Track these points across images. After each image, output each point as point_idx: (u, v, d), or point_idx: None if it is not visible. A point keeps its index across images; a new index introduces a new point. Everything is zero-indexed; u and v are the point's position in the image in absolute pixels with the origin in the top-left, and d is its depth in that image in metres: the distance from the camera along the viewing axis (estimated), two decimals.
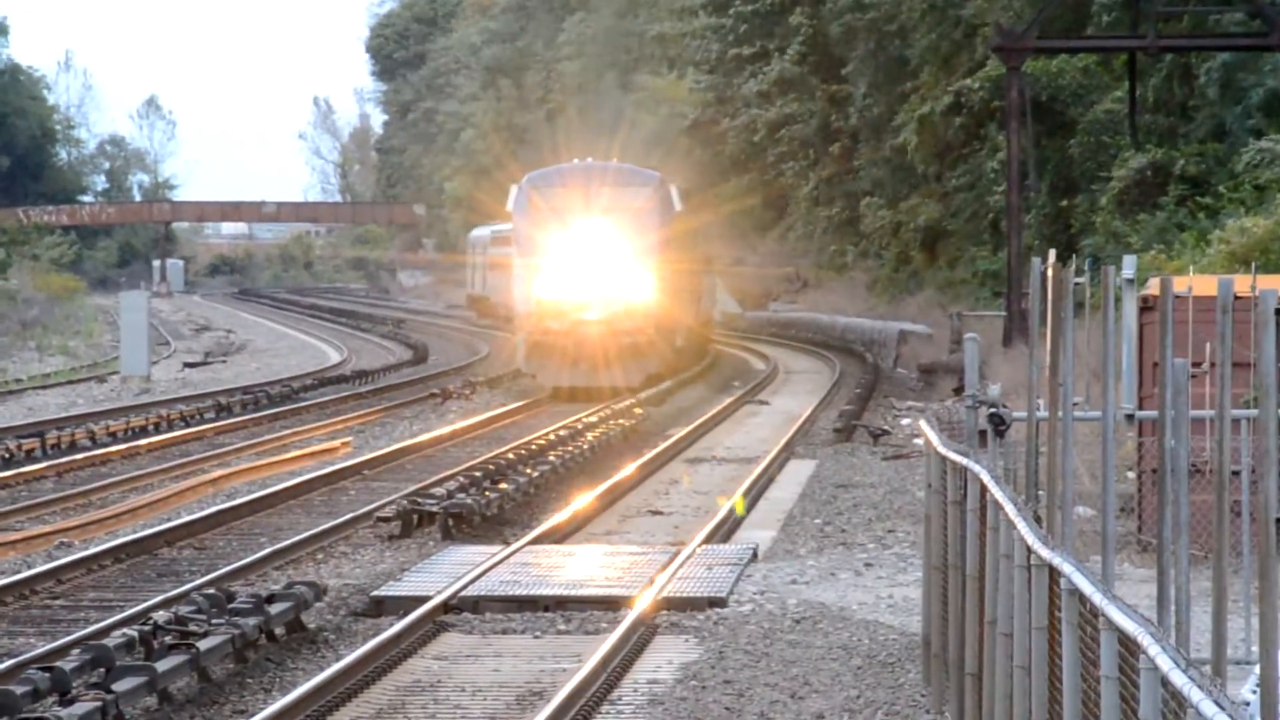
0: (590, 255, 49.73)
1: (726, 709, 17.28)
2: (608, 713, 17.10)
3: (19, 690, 15.44)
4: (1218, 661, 10.89)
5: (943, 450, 16.47)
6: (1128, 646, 7.53)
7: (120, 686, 15.88)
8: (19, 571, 23.74)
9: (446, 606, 21.82)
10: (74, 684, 15.90)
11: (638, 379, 48.83)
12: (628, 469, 35.70)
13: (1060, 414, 12.98)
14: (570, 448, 36.65)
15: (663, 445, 40.47)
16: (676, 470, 37.80)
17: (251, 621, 18.85)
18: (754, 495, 33.65)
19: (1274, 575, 8.70)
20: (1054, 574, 10.02)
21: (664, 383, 51.18)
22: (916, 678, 18.46)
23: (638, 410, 44.78)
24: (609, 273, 49.60)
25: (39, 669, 16.18)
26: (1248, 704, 11.18)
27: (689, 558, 25.03)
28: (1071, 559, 9.73)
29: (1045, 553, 10.32)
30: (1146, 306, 23.65)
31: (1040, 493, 13.70)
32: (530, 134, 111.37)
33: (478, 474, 31.55)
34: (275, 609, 19.60)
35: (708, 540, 26.86)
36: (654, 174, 52.95)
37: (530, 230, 50.95)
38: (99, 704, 15.34)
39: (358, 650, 18.74)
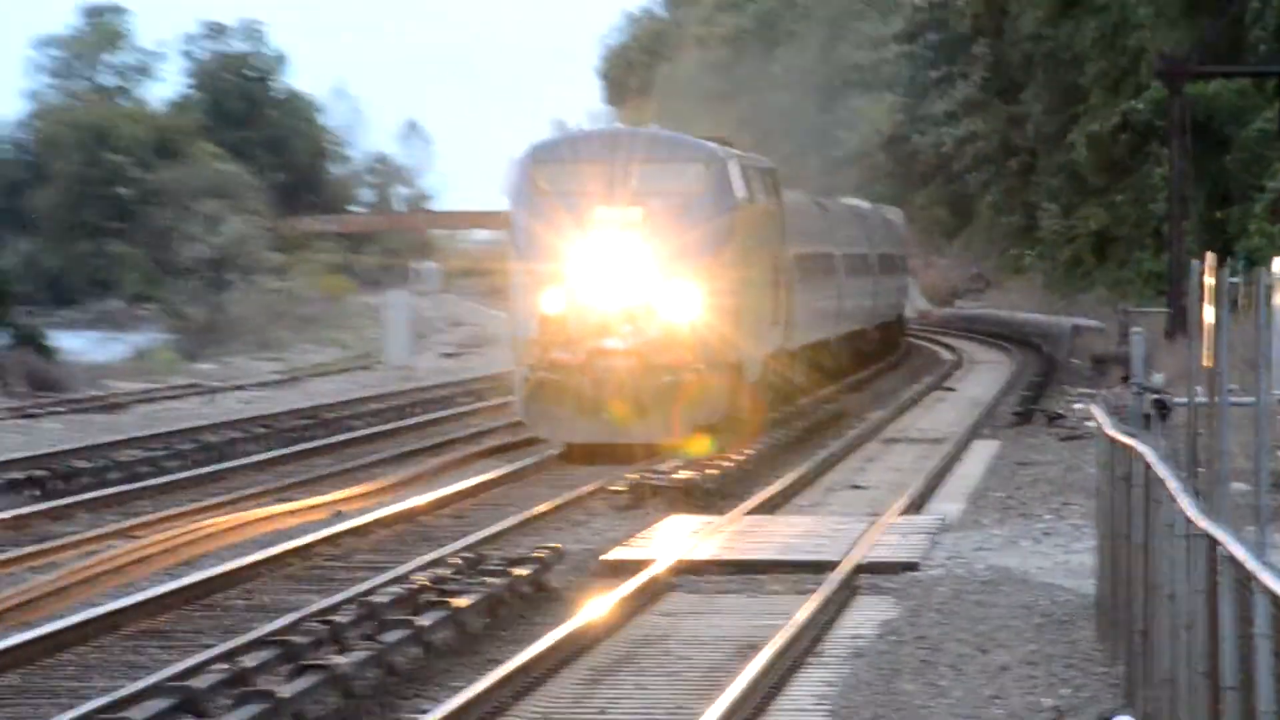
0: (614, 259, 31.49)
1: (921, 661, 17.20)
2: (814, 664, 17.10)
3: (301, 640, 15.84)
4: None
5: (1112, 432, 16.45)
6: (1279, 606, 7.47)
7: (388, 638, 16.21)
8: (300, 537, 24.28)
9: (672, 569, 21.81)
10: (348, 635, 16.27)
11: (679, 431, 31.18)
12: (831, 448, 35.59)
13: (1217, 399, 12.97)
14: (780, 432, 36.67)
15: (861, 427, 40.33)
16: (874, 449, 37.70)
17: (501, 582, 19.13)
18: (941, 472, 33.06)
19: None
20: (1212, 543, 9.91)
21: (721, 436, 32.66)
22: (1090, 634, 18.31)
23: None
24: (641, 284, 31.46)
25: (318, 622, 16.59)
26: None
27: (886, 527, 24.96)
28: (1228, 529, 9.63)
29: (1204, 523, 10.20)
30: None
31: (1199, 470, 13.60)
32: None
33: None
34: (522, 571, 19.90)
35: (903, 512, 26.69)
36: (707, 145, 33.90)
37: (532, 224, 32.47)
38: (371, 653, 15.70)
39: (595, 607, 18.90)
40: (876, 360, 61.37)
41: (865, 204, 69.27)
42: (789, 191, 44.47)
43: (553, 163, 33.10)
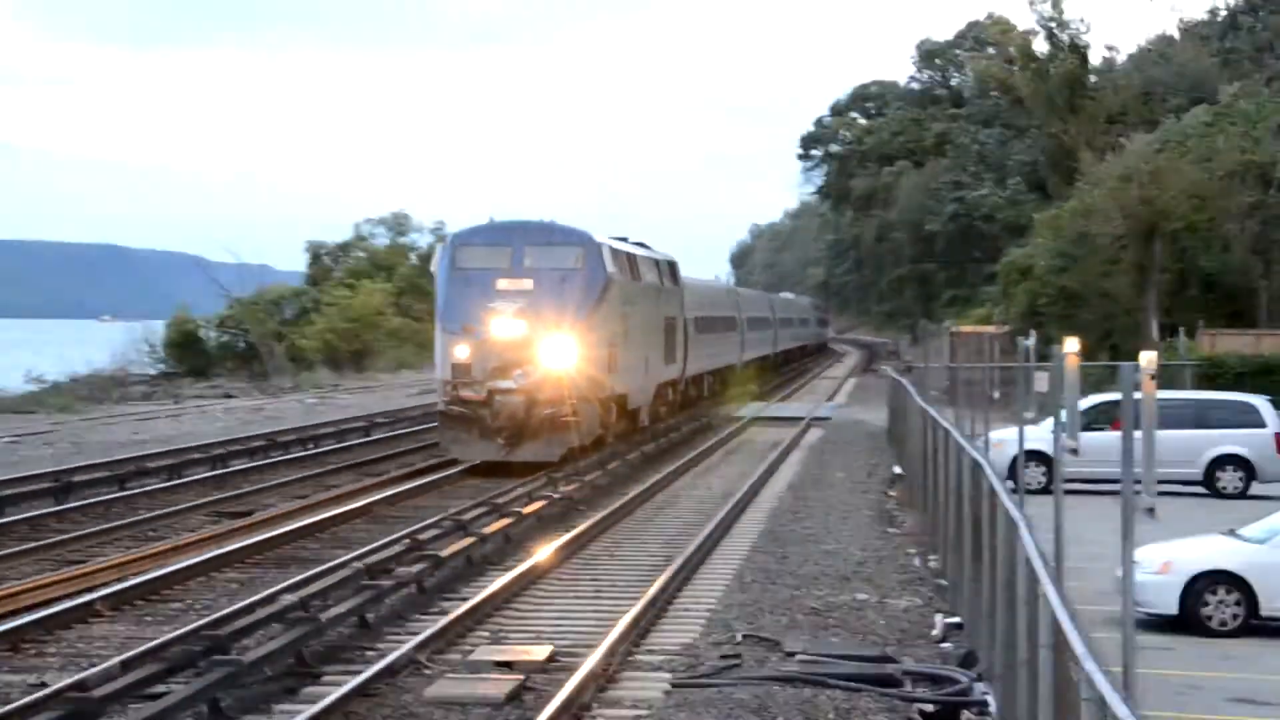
0: (510, 318, 34.99)
1: (828, 448, 39.28)
2: (796, 448, 43.06)
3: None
4: None
5: (891, 374, 38.60)
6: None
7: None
8: None
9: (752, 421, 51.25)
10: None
11: (556, 453, 34.59)
12: (789, 383, 56.14)
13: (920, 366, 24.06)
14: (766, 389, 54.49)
15: (805, 378, 63.44)
16: (810, 382, 59.23)
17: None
18: (838, 389, 60.97)
19: None
20: (923, 411, 20.55)
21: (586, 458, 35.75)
22: (885, 441, 44.67)
23: None
24: (530, 337, 34.93)
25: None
26: None
27: (818, 405, 50.82)
28: (927, 404, 20.85)
29: (920, 401, 23.19)
30: None
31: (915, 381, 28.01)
32: None
33: None
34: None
35: (827, 400, 56.13)
36: (584, 233, 37.63)
37: (450, 291, 36.05)
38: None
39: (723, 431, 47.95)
40: (807, 358, 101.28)
41: (787, 295, 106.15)
42: (703, 282, 62.27)
43: (468, 245, 37.17)
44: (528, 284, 35.89)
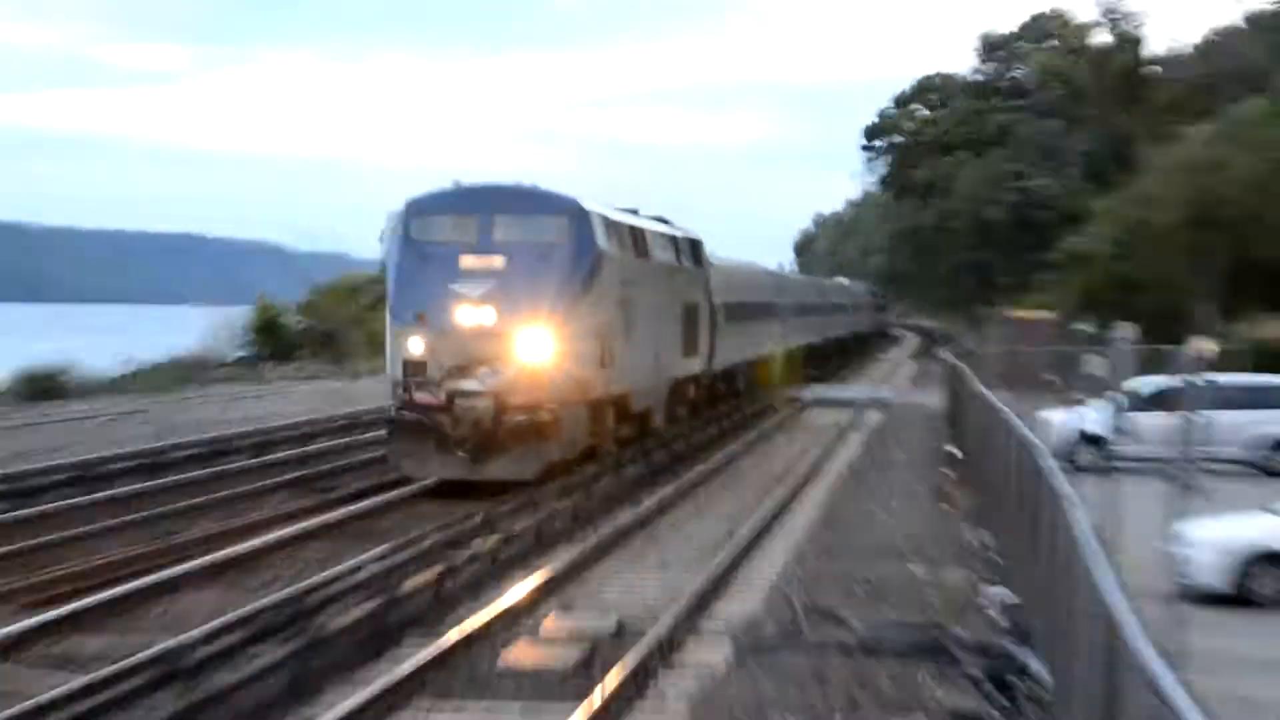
0: (476, 304, 28.38)
1: (891, 429, 38.72)
2: (856, 429, 46.19)
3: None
4: None
5: (949, 359, 37.69)
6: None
7: None
8: None
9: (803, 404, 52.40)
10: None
11: (532, 469, 27.80)
12: (857, 364, 61.30)
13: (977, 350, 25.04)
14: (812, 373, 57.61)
15: (862, 360, 70.38)
16: (867, 364, 68.10)
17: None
18: (895, 371, 62.05)
19: None
20: (984, 397, 21.25)
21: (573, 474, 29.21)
22: (942, 423, 45.97)
23: None
24: (500, 328, 28.25)
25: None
26: None
27: (876, 389, 55.69)
28: (989, 392, 21.84)
29: (979, 387, 25.21)
30: None
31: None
32: None
33: None
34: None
35: (884, 384, 58.94)
36: (570, 199, 30.45)
37: (402, 271, 29.57)
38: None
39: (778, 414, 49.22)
40: (865, 344, 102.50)
41: (842, 281, 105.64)
42: (736, 263, 52.58)
43: (425, 215, 30.05)
44: (498, 261, 28.89)
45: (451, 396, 27.61)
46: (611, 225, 31.93)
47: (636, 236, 34.68)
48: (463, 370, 27.82)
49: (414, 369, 28.16)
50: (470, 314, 28.24)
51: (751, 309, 51.39)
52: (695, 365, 41.19)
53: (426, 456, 27.90)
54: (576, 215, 29.84)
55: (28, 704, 13.12)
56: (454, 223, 29.69)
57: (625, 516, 26.05)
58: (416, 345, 28.28)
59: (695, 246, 42.33)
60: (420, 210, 30.06)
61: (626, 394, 33.07)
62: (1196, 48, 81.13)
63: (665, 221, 40.22)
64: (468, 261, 28.82)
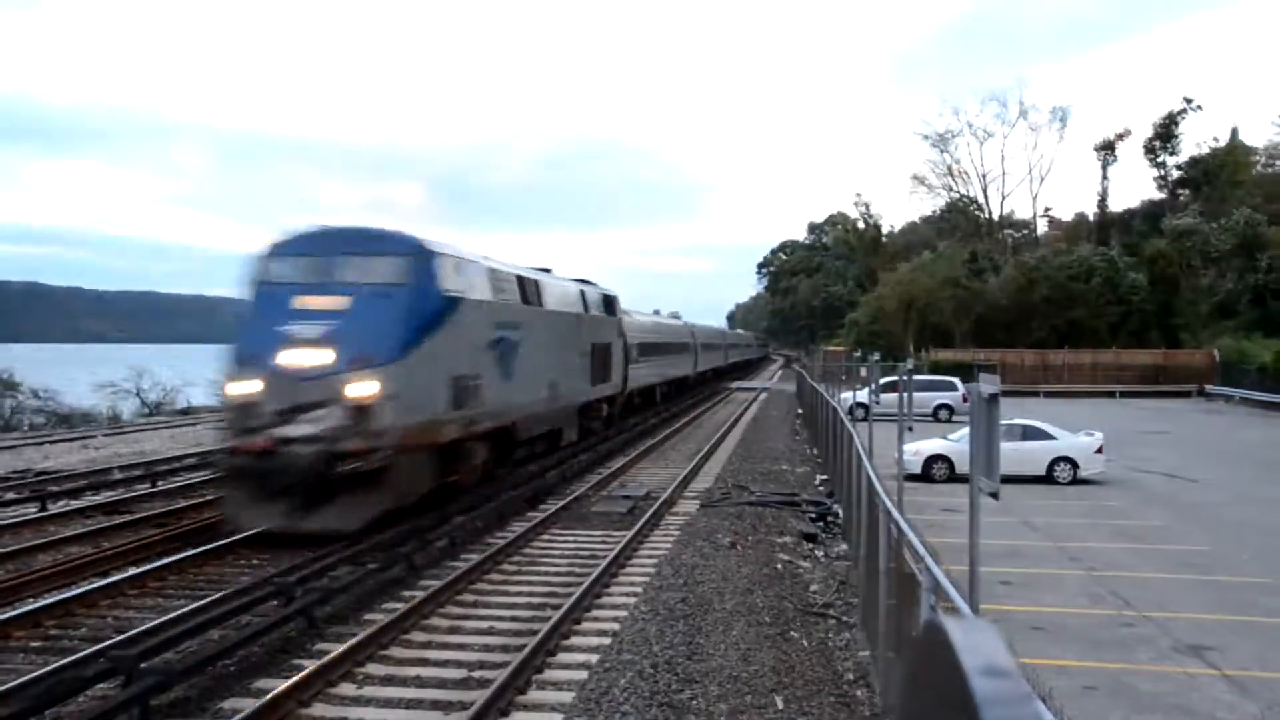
0: (310, 345, 24.86)
1: (758, 424, 59.88)
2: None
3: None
4: None
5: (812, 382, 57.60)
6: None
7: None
8: None
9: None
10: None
11: (358, 520, 24.56)
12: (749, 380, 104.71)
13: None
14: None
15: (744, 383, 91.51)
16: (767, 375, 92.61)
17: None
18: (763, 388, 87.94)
19: None
20: (829, 406, 40.35)
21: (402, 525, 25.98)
22: (799, 424, 59.07)
23: None
24: (334, 370, 24.63)
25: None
26: None
27: (766, 382, 75.55)
28: (834, 400, 41.78)
29: (826, 393, 47.23)
30: None
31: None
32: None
33: None
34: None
35: (771, 381, 79.94)
36: (414, 240, 27.52)
37: (247, 311, 26.28)
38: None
39: (726, 394, 70.08)
40: (754, 365, 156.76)
41: (739, 331, 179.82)
42: (652, 317, 72.52)
43: (276, 257, 27.32)
44: (338, 303, 26.00)
45: (277, 442, 24.43)
46: (474, 268, 30.34)
47: (524, 285, 34.45)
48: (290, 415, 24.65)
49: (243, 413, 24.94)
50: (302, 356, 25.10)
51: (665, 347, 67.51)
52: (608, 390, 47.60)
53: (253, 505, 24.97)
54: (420, 256, 27.41)
55: None
56: (300, 264, 27.11)
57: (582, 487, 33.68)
58: (246, 388, 25.11)
59: (609, 300, 48.73)
60: (274, 253, 27.61)
61: (512, 425, 32.54)
62: (905, 225, 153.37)
63: (588, 282, 44.78)
64: (305, 302, 26.15)
